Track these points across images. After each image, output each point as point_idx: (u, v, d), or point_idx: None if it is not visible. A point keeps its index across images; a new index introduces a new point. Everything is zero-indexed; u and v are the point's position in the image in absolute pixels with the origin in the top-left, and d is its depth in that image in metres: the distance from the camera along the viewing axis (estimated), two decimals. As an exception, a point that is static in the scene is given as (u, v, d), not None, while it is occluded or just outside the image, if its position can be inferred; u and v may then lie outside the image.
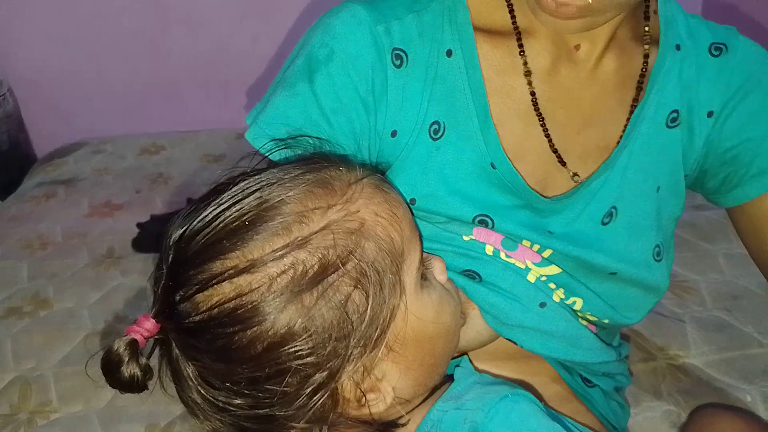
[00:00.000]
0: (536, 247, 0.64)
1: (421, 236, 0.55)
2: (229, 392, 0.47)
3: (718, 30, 0.67)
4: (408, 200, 0.62)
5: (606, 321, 0.68)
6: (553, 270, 0.65)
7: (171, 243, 0.49)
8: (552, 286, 0.65)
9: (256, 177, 0.50)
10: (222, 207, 0.48)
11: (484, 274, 0.63)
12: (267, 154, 0.57)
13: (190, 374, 0.48)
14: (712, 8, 1.90)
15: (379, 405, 0.50)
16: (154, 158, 1.77)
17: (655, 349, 1.00)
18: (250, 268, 0.46)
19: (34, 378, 0.98)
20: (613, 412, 0.72)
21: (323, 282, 0.46)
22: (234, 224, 0.47)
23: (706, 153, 0.67)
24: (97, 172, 1.70)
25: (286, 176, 0.50)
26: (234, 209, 0.48)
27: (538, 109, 0.63)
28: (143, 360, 0.48)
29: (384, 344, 0.49)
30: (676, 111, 0.66)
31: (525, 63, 0.62)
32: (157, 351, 0.51)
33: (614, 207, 0.65)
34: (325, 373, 0.46)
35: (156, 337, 0.49)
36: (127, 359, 0.47)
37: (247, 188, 0.49)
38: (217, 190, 0.50)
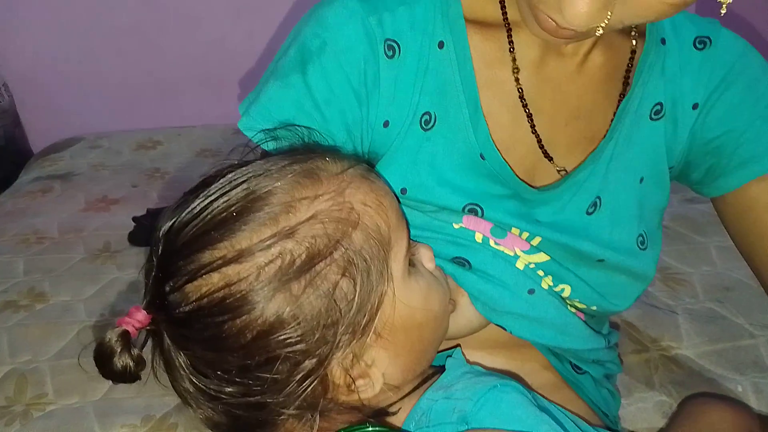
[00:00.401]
0: (525, 234, 0.64)
1: (408, 224, 0.56)
2: (220, 380, 0.48)
3: (702, 23, 0.68)
4: (399, 190, 0.62)
5: (594, 308, 0.68)
6: (542, 257, 0.65)
7: (160, 235, 0.50)
8: (540, 273, 0.66)
9: (244, 169, 0.51)
10: (210, 199, 0.49)
11: (474, 261, 0.64)
12: (259, 143, 0.58)
13: (182, 364, 0.49)
14: (707, 6, 1.90)
15: (368, 391, 0.50)
16: (151, 153, 1.77)
17: (648, 341, 1.00)
18: (238, 258, 0.46)
19: (29, 371, 0.98)
20: (604, 399, 0.73)
21: (311, 271, 0.46)
22: (222, 215, 0.48)
23: (690, 144, 0.68)
24: (94, 167, 1.70)
25: (273, 167, 0.50)
26: (222, 200, 0.48)
27: (526, 104, 0.64)
28: (135, 351, 0.48)
29: (373, 331, 0.49)
30: (660, 104, 0.66)
31: (514, 60, 0.63)
32: (150, 342, 0.51)
33: (598, 197, 0.66)
34: (314, 360, 0.47)
35: (148, 328, 0.49)
36: (119, 350, 0.47)
37: (234, 180, 0.50)
38: (206, 183, 0.51)
